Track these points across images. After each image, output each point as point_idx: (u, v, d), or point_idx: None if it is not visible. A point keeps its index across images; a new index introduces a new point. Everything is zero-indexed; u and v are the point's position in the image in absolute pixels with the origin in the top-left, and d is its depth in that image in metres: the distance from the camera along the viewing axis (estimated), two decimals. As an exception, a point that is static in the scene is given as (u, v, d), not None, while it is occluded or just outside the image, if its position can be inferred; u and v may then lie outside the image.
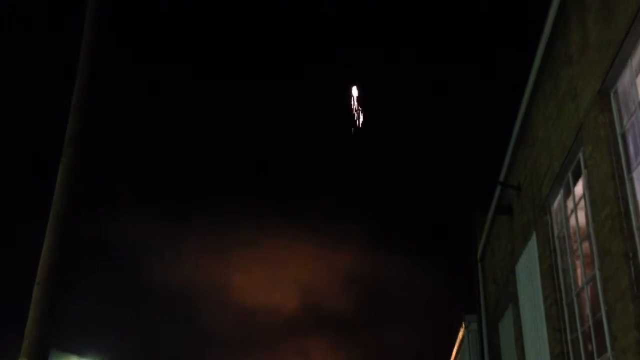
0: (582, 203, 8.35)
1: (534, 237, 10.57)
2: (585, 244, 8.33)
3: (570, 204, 8.91)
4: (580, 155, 8.05)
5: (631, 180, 6.67)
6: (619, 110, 6.98)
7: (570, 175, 8.67)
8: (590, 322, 7.99)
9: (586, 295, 8.23)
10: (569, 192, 8.87)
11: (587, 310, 8.23)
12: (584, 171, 7.97)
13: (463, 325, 19.51)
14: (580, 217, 8.52)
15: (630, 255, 6.47)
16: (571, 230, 9.05)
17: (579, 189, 8.48)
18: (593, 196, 7.53)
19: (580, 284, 8.63)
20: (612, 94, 7.08)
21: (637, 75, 6.51)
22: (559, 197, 9.32)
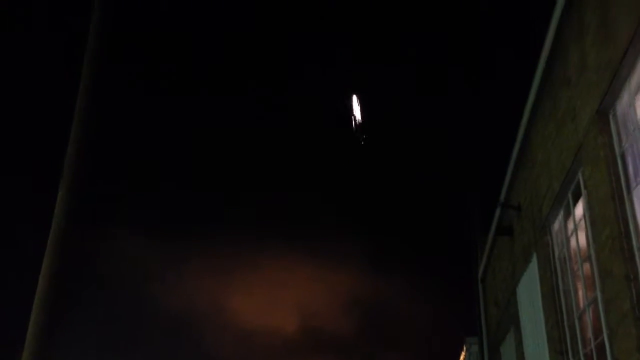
0: (582, 224, 8.32)
1: (534, 259, 10.51)
2: (586, 265, 8.28)
3: (570, 225, 8.88)
4: (580, 175, 8.04)
5: (631, 200, 6.64)
6: (618, 131, 6.98)
7: (570, 195, 8.65)
8: (593, 345, 7.91)
9: (588, 317, 8.15)
10: (569, 212, 8.84)
11: (589, 333, 8.15)
12: (583, 192, 7.95)
13: (464, 347, 19.35)
14: (581, 238, 8.48)
15: (632, 276, 6.41)
16: (572, 252, 9.00)
17: (579, 209, 8.45)
18: (593, 217, 7.49)
19: (581, 306, 8.56)
20: (610, 115, 7.09)
21: (635, 96, 6.51)
22: (559, 217, 9.29)
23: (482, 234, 16.23)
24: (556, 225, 9.55)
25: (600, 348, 7.53)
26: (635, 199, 6.61)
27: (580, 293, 8.65)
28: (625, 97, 6.73)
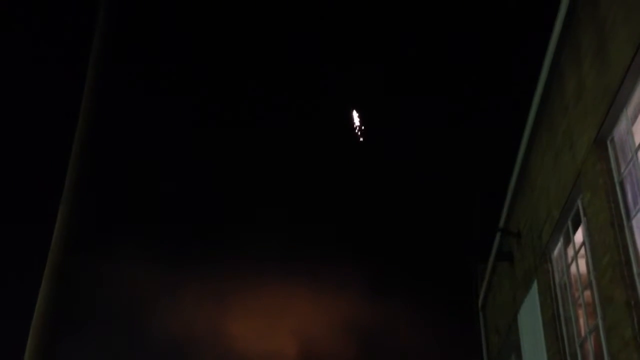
0: (582, 251, 8.29)
1: (535, 285, 10.45)
2: (587, 292, 8.23)
3: (570, 252, 8.85)
4: (579, 202, 8.03)
5: (630, 228, 6.63)
6: (616, 158, 6.99)
7: (569, 222, 8.63)
8: (595, 373, 7.83)
9: (590, 345, 8.08)
10: (569, 239, 8.81)
11: (591, 361, 8.08)
12: (583, 219, 7.93)
13: (465, 375, 19.13)
14: (581, 265, 8.44)
15: (632, 303, 6.37)
16: (572, 279, 8.96)
17: (578, 236, 8.42)
18: (593, 244, 7.47)
19: (583, 333, 8.49)
20: (608, 142, 7.10)
21: (633, 123, 6.53)
22: (559, 244, 9.26)
23: (482, 260, 16.17)
24: (556, 252, 9.51)
25: (603, 377, 7.45)
26: (634, 226, 6.60)
27: (582, 320, 8.59)
28: (623, 124, 6.75)
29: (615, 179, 6.94)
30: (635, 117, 6.50)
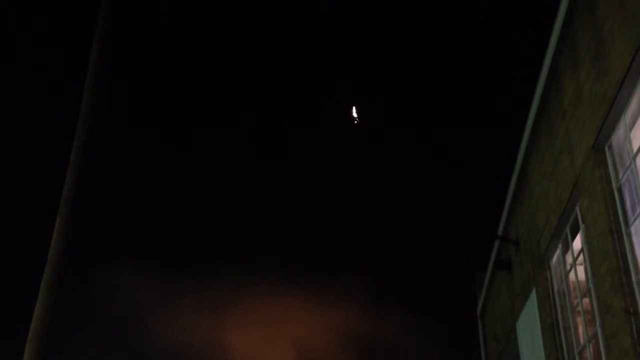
0: (581, 258, 8.26)
1: (533, 293, 10.41)
2: (586, 300, 8.19)
3: (569, 259, 8.81)
4: (578, 209, 8.01)
5: (629, 234, 6.60)
6: (615, 164, 6.97)
7: (568, 229, 8.60)
8: (594, 382, 7.78)
9: (588, 353, 8.04)
10: (567, 247, 8.78)
11: (590, 369, 8.03)
12: (581, 226, 7.90)
13: (465, 384, 19.05)
14: (580, 273, 8.41)
15: (631, 310, 6.33)
16: (571, 286, 8.92)
17: (577, 243, 8.39)
18: (592, 251, 7.44)
19: (582, 341, 8.45)
20: (606, 148, 7.09)
21: (631, 130, 6.52)
22: (558, 252, 9.23)
23: (480, 268, 16.14)
24: (555, 260, 9.48)
25: (602, 385, 7.40)
26: (633, 233, 6.57)
27: (581, 328, 8.55)
28: (621, 131, 6.73)
29: (614, 186, 6.92)
30: (633, 124, 6.48)
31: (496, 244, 13.38)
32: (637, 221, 6.47)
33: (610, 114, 6.59)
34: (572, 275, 8.75)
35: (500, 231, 12.76)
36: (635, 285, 6.39)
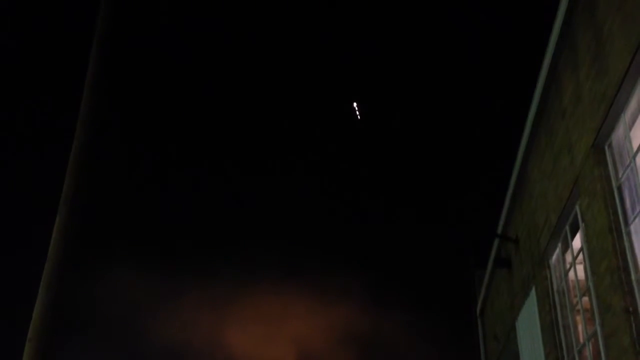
0: (580, 257, 8.27)
1: (533, 292, 10.43)
2: (585, 299, 8.21)
3: (568, 258, 8.83)
4: (577, 208, 8.02)
5: (629, 233, 6.61)
6: (614, 163, 6.98)
7: (567, 228, 8.61)
8: (593, 380, 7.80)
9: (588, 352, 8.05)
10: (567, 245, 8.79)
11: (590, 368, 8.05)
12: (581, 225, 7.92)
13: (464, 383, 19.08)
14: (580, 271, 8.42)
15: (631, 309, 6.35)
16: (570, 285, 8.93)
17: (577, 242, 8.40)
18: (591, 250, 7.45)
19: (581, 340, 8.46)
20: (606, 147, 7.10)
21: (631, 129, 6.53)
22: (557, 250, 9.24)
23: (480, 267, 16.16)
24: (554, 258, 9.49)
25: (601, 383, 7.41)
26: (633, 232, 6.58)
27: (580, 327, 8.56)
28: (620, 129, 6.75)
29: (614, 184, 6.93)
30: (633, 123, 6.49)
31: (496, 242, 13.40)
32: (636, 220, 6.48)
33: (610, 113, 6.60)
34: (571, 274, 8.77)
35: (499, 230, 12.77)
36: (634, 284, 6.40)
